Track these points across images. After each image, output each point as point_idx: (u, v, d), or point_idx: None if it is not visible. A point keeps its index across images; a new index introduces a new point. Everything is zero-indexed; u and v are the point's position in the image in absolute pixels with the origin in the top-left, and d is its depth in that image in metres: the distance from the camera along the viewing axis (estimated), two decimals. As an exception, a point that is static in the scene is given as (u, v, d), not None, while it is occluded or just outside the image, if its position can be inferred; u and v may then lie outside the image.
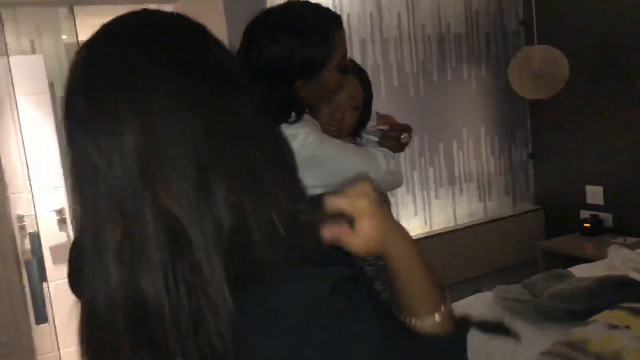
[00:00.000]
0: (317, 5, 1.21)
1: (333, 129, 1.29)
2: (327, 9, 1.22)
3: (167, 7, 3.77)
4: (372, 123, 1.40)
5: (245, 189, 0.51)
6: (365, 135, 1.36)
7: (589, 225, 3.47)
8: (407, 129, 1.36)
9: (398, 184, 1.34)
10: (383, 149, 1.30)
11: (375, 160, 1.25)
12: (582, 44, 3.44)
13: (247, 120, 0.53)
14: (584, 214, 3.59)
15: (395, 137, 1.33)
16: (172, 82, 0.50)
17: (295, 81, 1.18)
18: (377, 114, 1.43)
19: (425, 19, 3.60)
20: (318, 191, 1.18)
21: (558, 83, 3.09)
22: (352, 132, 1.37)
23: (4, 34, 2.86)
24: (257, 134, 0.54)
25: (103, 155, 0.50)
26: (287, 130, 1.16)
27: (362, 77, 1.35)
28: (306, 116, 1.22)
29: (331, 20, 1.20)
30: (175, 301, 0.48)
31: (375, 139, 1.33)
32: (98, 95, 0.50)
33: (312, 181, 1.19)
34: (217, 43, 0.57)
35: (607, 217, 3.49)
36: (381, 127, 1.34)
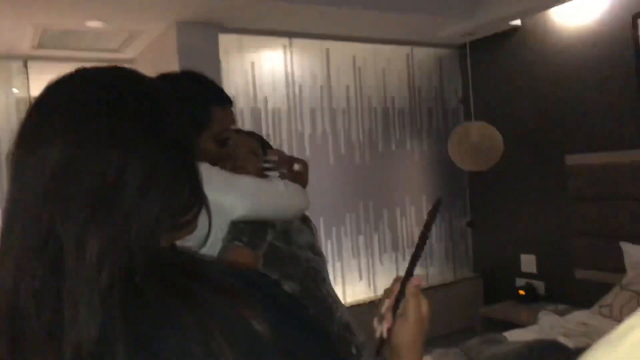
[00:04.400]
0: (209, 83, 1.33)
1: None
2: (220, 89, 1.34)
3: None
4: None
5: (135, 223, 0.56)
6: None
7: (524, 292, 3.62)
8: (298, 161, 1.48)
9: (303, 206, 1.38)
10: (285, 180, 1.38)
11: (273, 182, 1.33)
12: (516, 121, 3.73)
13: (159, 167, 0.58)
14: (520, 281, 3.75)
15: (287, 168, 1.44)
16: (100, 121, 0.57)
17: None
18: (268, 150, 1.55)
19: (372, 93, 3.83)
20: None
21: (493, 156, 3.32)
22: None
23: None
24: (165, 182, 0.59)
25: (28, 162, 0.56)
26: None
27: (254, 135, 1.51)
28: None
29: (214, 96, 1.32)
30: (45, 313, 0.53)
31: (277, 174, 1.43)
32: (43, 122, 0.58)
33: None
34: (151, 84, 0.64)
35: (539, 285, 3.66)
36: (269, 158, 1.45)
